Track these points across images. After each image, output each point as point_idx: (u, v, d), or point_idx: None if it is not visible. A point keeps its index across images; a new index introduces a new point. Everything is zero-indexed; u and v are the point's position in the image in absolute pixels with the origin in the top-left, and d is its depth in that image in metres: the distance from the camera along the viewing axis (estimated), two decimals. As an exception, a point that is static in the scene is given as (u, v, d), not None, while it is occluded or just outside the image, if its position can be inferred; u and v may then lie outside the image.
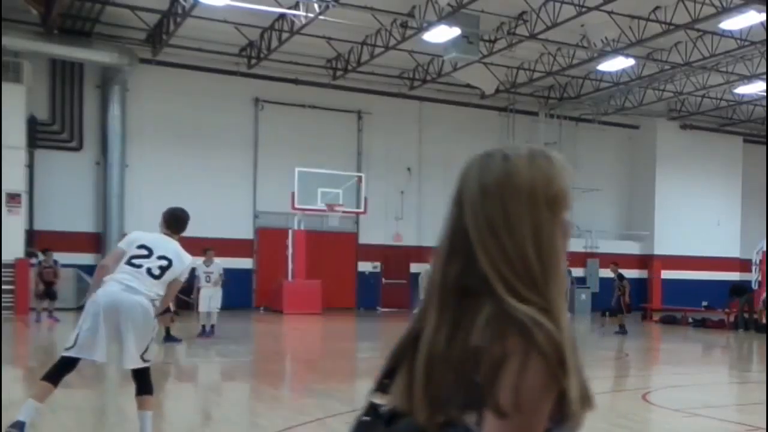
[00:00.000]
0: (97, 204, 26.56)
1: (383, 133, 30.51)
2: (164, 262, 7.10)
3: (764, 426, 8.92)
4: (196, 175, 27.48)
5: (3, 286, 22.95)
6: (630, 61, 26.31)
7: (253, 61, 27.32)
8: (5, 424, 8.08)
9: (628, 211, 35.84)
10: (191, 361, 15.82)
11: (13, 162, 23.75)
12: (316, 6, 21.74)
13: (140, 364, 7.00)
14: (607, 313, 25.82)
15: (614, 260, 24.88)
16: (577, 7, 21.68)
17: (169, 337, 16.38)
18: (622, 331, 22.18)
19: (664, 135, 34.96)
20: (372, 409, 1.77)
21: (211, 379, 13.38)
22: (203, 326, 18.16)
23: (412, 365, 1.67)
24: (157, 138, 27.14)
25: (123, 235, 25.69)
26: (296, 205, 25.90)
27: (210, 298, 18.11)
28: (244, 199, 28.69)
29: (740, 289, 26.09)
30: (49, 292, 21.66)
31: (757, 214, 33.37)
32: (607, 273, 32.47)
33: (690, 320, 26.49)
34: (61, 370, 7.01)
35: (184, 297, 25.65)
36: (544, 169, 1.68)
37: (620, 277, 23.04)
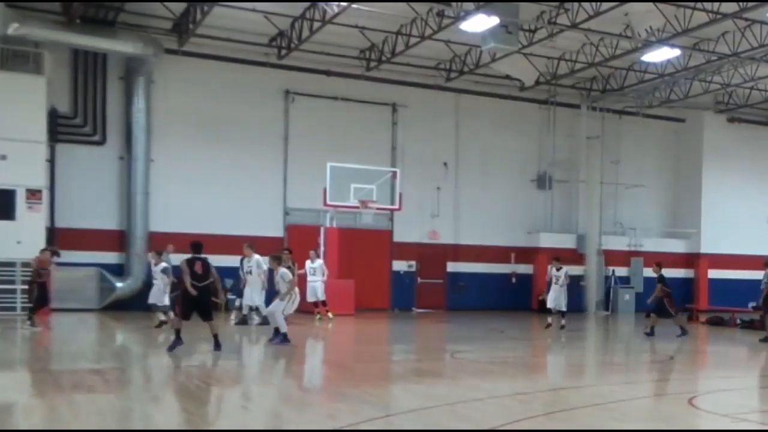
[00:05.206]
0: (121, 201, 26.28)
1: (419, 126, 30.41)
2: None
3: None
4: (224, 170, 27.39)
5: (23, 286, 22.48)
6: (675, 52, 26.03)
7: (284, 52, 27.18)
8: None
9: (674, 207, 35.79)
10: (217, 363, 15.39)
11: (34, 157, 23.66)
12: (348, -7, 21.83)
13: None
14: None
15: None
16: (621, -5, 21.85)
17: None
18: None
19: (711, 128, 35.04)
20: None
21: (240, 381, 13.09)
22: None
23: None
24: (184, 132, 26.97)
25: (148, 233, 25.55)
26: (328, 202, 25.67)
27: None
28: (274, 195, 28.49)
29: None
30: None
31: (809, 211, 33.29)
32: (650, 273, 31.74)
33: (738, 321, 26.11)
34: None
35: (214, 298, 25.22)
36: None
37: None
